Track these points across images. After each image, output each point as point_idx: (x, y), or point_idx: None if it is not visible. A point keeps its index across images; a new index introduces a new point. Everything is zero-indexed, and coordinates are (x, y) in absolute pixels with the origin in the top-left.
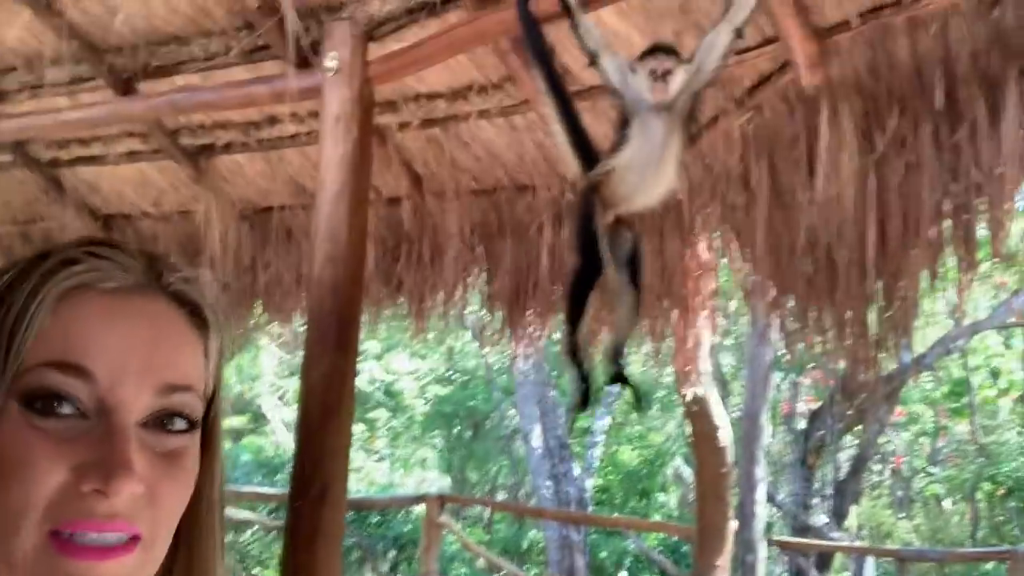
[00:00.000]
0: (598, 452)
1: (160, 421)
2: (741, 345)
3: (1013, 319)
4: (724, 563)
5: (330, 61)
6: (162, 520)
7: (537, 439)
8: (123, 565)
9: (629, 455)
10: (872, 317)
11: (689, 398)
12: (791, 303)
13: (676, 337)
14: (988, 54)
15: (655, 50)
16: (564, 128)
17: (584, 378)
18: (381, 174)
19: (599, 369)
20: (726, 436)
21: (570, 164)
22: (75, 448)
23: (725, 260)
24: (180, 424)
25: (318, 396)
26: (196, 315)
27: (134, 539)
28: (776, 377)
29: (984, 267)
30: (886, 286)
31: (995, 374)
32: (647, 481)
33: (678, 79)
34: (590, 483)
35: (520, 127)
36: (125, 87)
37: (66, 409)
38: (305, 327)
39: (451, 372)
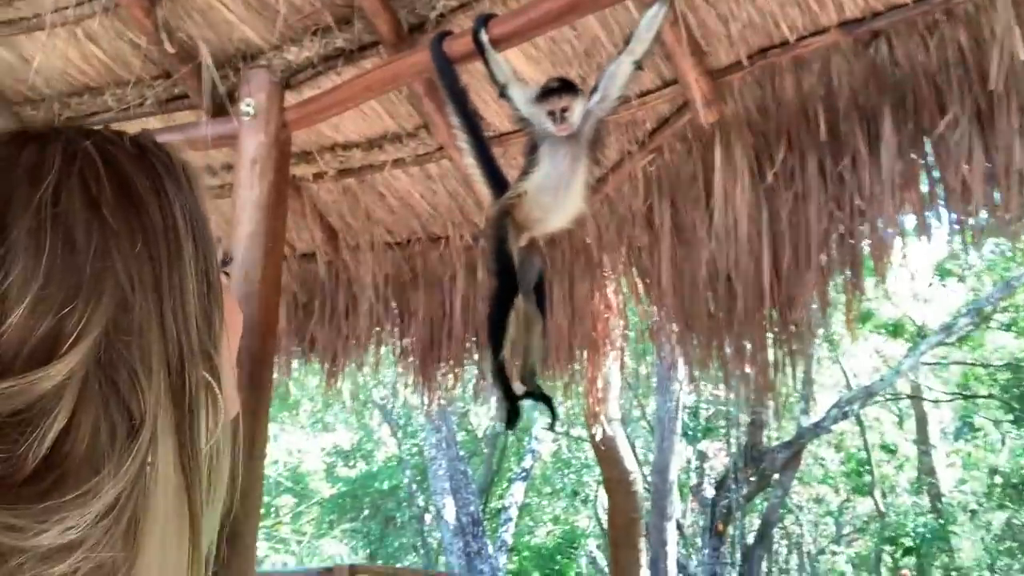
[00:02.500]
0: (511, 530)
1: None
2: (650, 390)
3: (902, 387)
4: None
5: (246, 107)
6: None
7: (450, 517)
8: None
9: (543, 536)
10: (770, 343)
11: (598, 437)
12: (695, 339)
13: (587, 378)
14: (866, 89)
15: (551, 90)
16: (476, 159)
17: (509, 397)
18: (296, 229)
19: (518, 388)
20: (637, 481)
21: (484, 193)
22: None
23: (632, 301)
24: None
25: None
26: None
27: None
28: (683, 448)
29: (872, 337)
30: (781, 312)
31: (891, 450)
32: (562, 562)
33: (577, 112)
34: (503, 561)
35: (434, 175)
36: None
37: None
38: None
39: (357, 454)
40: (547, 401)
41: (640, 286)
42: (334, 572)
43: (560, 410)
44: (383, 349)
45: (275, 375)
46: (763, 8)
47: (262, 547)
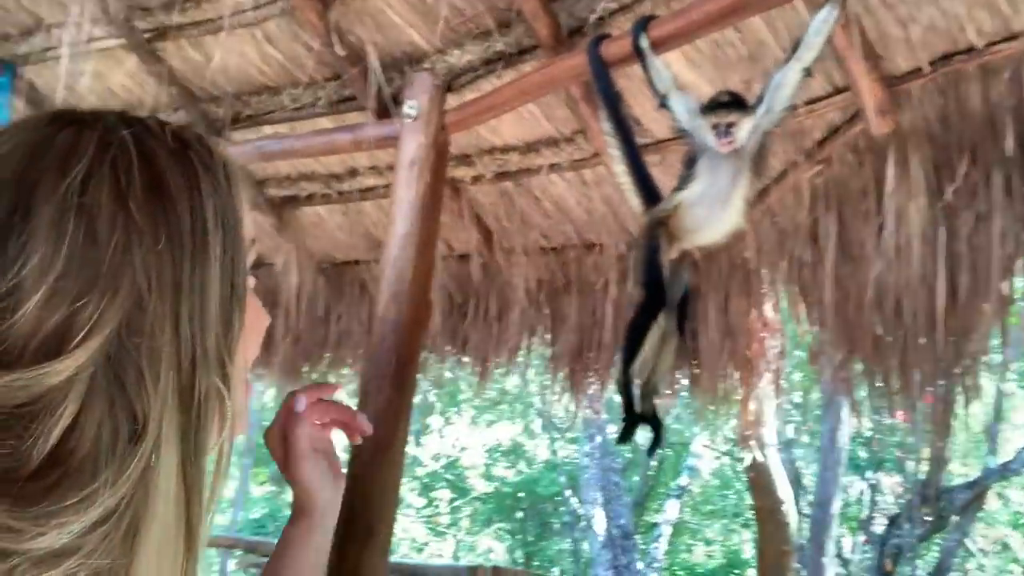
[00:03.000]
0: (663, 547)
1: None
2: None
3: None
4: None
5: (409, 108)
6: None
7: (600, 528)
8: None
9: (701, 556)
10: (942, 374)
11: (747, 463)
12: (859, 365)
13: (740, 401)
14: None
15: (718, 105)
16: (628, 167)
17: (630, 412)
18: (453, 229)
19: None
20: (791, 512)
21: (633, 202)
22: None
23: (791, 321)
24: None
25: (372, 433)
26: None
27: None
28: (853, 480)
29: None
30: (955, 341)
31: None
32: None
33: (744, 129)
34: None
35: (589, 181)
36: (218, 136)
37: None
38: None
39: (517, 455)
40: (656, 425)
41: (801, 305)
42: (478, 572)
43: (718, 430)
44: (533, 353)
45: (429, 373)
46: (948, 11)
47: (422, 534)
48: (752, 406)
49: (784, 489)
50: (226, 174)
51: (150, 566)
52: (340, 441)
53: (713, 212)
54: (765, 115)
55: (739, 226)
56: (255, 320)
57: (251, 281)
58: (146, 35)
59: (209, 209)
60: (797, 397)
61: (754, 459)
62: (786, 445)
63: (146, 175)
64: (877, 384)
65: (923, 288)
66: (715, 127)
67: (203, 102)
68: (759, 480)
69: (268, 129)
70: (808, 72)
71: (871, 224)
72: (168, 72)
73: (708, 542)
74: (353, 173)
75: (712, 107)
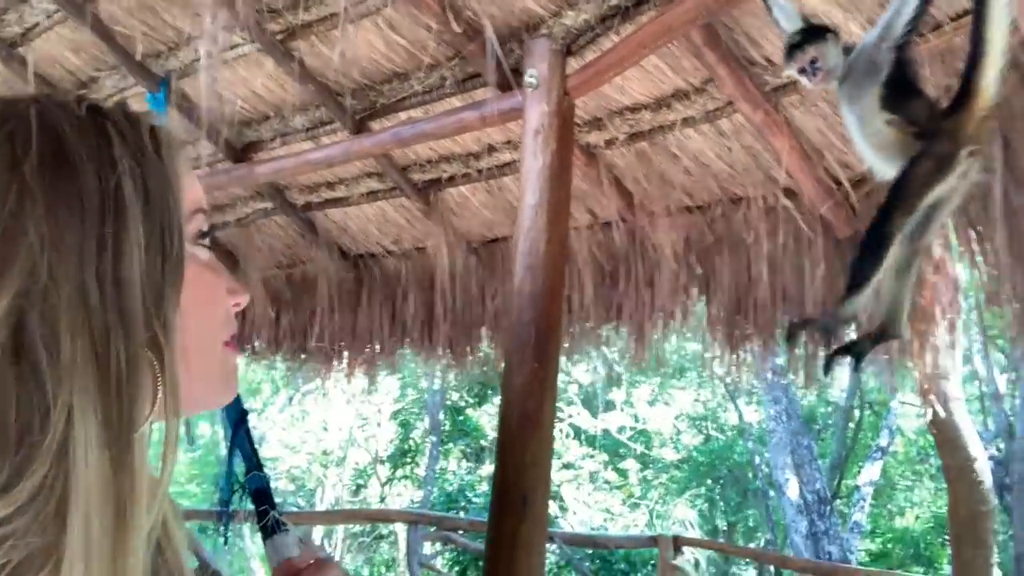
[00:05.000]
0: (866, 510)
1: None
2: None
3: None
4: None
5: (529, 77)
6: None
7: (793, 492)
8: None
9: (911, 519)
10: None
11: (929, 418)
12: None
13: (918, 353)
14: None
15: (794, 45)
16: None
17: (837, 341)
18: (595, 196)
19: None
20: (984, 470)
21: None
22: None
23: (965, 261)
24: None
25: (518, 405)
26: None
27: None
28: None
29: None
30: None
31: None
32: (932, 549)
33: (831, 58)
34: (856, 544)
35: (727, 132)
36: (358, 126)
37: (206, 242)
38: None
39: (705, 422)
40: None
41: (974, 243)
42: (659, 541)
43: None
44: (689, 315)
45: (586, 343)
46: None
47: (616, 506)
48: (929, 358)
49: (975, 446)
50: (155, 144)
51: (81, 543)
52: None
53: (858, 142)
54: (885, 31)
55: (887, 154)
56: (210, 291)
57: (202, 253)
58: (277, 36)
59: (127, 176)
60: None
61: (936, 414)
62: (995, 397)
63: (45, 144)
64: None
65: None
66: (802, 71)
67: (340, 95)
68: (946, 438)
69: (403, 115)
70: None
71: None
72: (301, 70)
73: (914, 504)
74: (490, 150)
75: (790, 51)
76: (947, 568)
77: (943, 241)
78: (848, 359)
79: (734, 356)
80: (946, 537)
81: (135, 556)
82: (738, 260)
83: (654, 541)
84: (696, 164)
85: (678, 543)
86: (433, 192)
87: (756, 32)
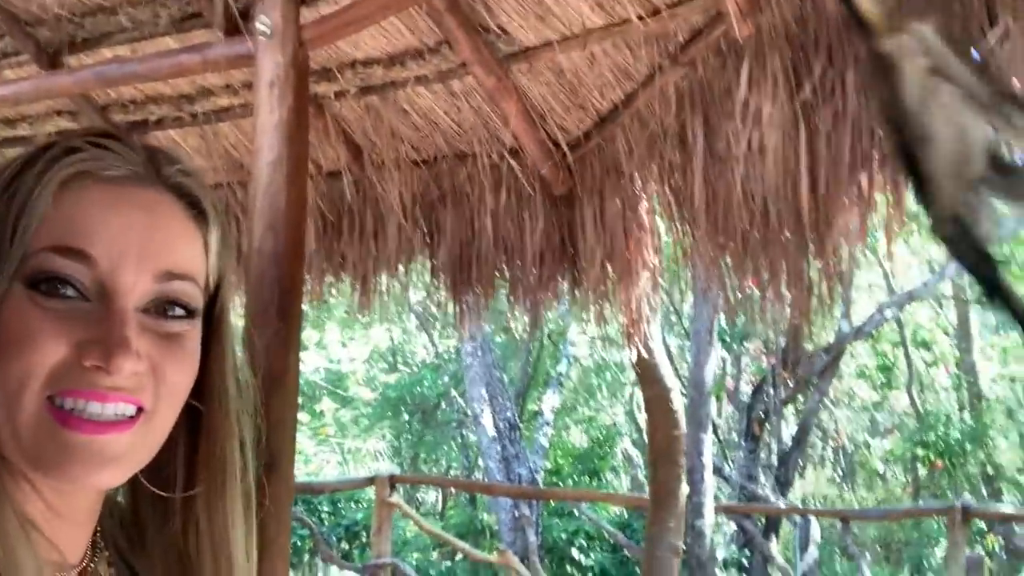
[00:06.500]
0: (548, 433)
1: (160, 308)
2: (682, 312)
3: (945, 290)
4: (678, 526)
5: (261, 25)
6: (164, 395)
7: (488, 422)
8: (122, 439)
9: (578, 437)
10: (808, 269)
11: (635, 359)
12: (729, 261)
13: (621, 299)
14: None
15: None
16: None
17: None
18: (321, 147)
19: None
20: (677, 399)
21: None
22: (76, 327)
23: (665, 221)
24: (179, 311)
25: (262, 366)
26: (195, 208)
27: (138, 412)
28: (719, 352)
29: (916, 240)
30: (819, 232)
31: (927, 345)
32: (597, 462)
33: None
34: (541, 464)
35: (458, 92)
36: (52, 61)
37: (68, 291)
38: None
39: (396, 359)
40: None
41: (673, 205)
42: (376, 482)
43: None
44: (413, 267)
45: (308, 295)
46: None
47: (310, 447)
48: (633, 304)
49: (670, 378)
50: (15, 170)
51: None
52: None
53: None
54: None
55: None
56: (18, 337)
57: (24, 293)
58: None
59: None
60: (676, 293)
61: (639, 354)
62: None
63: None
64: (748, 277)
65: (788, 183)
66: None
67: (31, 26)
68: (646, 374)
69: (108, 53)
70: None
71: (737, 125)
72: None
73: (589, 420)
74: (206, 93)
75: None
76: (610, 476)
77: (647, 204)
78: None
79: (457, 305)
80: (607, 450)
81: None
82: (462, 214)
83: (371, 481)
84: (426, 121)
85: (394, 481)
86: (137, 135)
87: (492, 1)
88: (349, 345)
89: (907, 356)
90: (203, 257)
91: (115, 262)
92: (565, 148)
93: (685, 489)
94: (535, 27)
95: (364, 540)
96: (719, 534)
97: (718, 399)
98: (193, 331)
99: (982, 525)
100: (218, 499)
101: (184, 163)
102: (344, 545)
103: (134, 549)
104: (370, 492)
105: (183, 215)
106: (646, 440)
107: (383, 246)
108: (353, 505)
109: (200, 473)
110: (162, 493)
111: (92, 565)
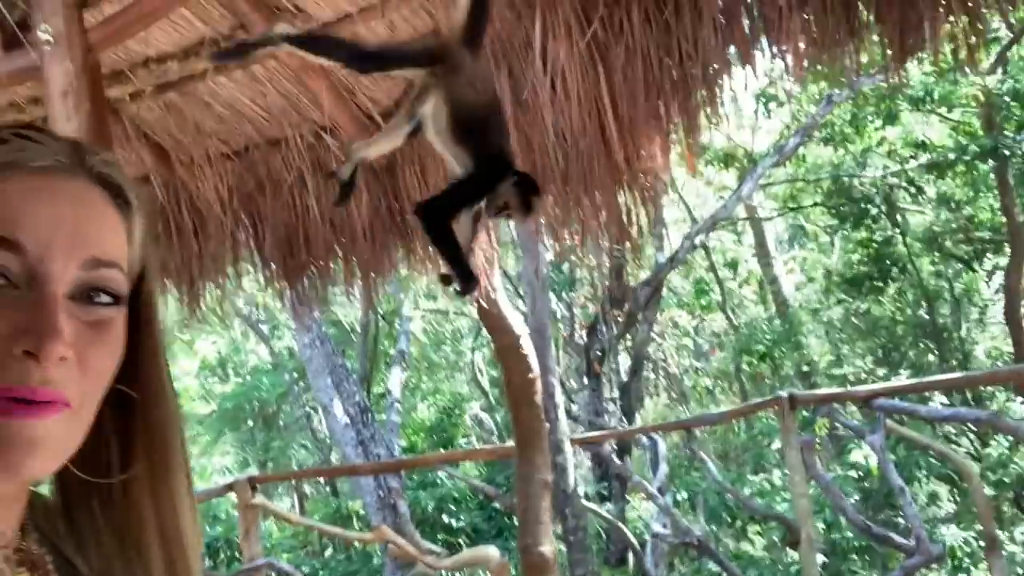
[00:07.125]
0: (399, 409)
1: (86, 294)
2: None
3: (740, 211)
4: (545, 462)
5: (44, 34)
6: (89, 387)
7: (338, 410)
8: (50, 423)
9: (427, 411)
10: (623, 196)
11: (478, 305)
12: (550, 201)
13: None
14: None
15: None
16: None
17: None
18: (122, 152)
19: None
20: (528, 344)
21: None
22: (6, 315)
23: None
24: (105, 298)
25: None
26: (119, 197)
27: (64, 406)
28: (551, 301)
29: (710, 170)
30: (628, 162)
31: (733, 266)
32: (450, 430)
33: None
34: (396, 443)
35: (261, 77)
36: None
37: None
38: None
39: (228, 369)
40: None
41: None
42: (236, 486)
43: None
44: (242, 262)
45: None
46: None
47: None
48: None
49: (518, 325)
50: None
51: None
52: None
53: None
54: None
55: None
56: None
57: None
58: None
59: None
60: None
61: (484, 307)
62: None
63: None
64: (569, 216)
65: (594, 121)
66: None
67: None
68: (494, 323)
69: None
70: None
71: (539, 73)
72: None
73: (435, 392)
74: None
75: None
76: (462, 443)
77: None
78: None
79: (292, 291)
80: (458, 418)
81: None
82: (283, 200)
83: (230, 488)
84: (231, 112)
85: (254, 482)
86: None
87: None
88: (176, 360)
89: (718, 279)
90: (127, 245)
91: (44, 250)
92: (379, 119)
93: (547, 426)
94: (332, 2)
95: (229, 554)
96: (580, 468)
97: (557, 347)
98: (119, 317)
99: (807, 415)
100: (162, 483)
101: (106, 154)
102: (208, 563)
103: (64, 539)
104: (227, 504)
105: (107, 204)
106: (492, 403)
107: (205, 246)
108: (208, 524)
109: (138, 457)
110: (98, 480)
111: (25, 543)
